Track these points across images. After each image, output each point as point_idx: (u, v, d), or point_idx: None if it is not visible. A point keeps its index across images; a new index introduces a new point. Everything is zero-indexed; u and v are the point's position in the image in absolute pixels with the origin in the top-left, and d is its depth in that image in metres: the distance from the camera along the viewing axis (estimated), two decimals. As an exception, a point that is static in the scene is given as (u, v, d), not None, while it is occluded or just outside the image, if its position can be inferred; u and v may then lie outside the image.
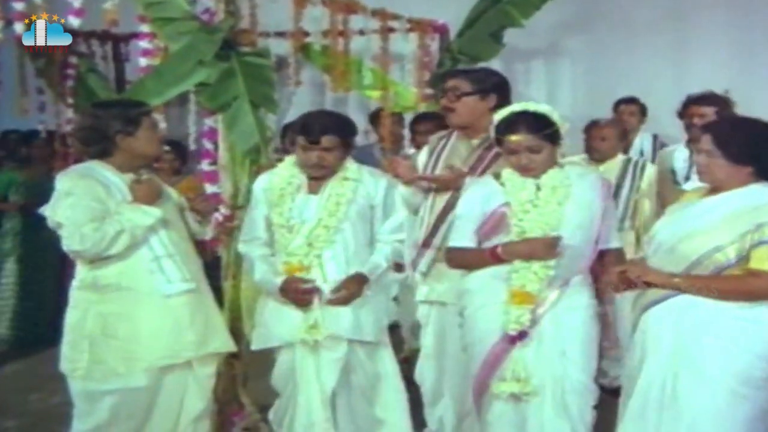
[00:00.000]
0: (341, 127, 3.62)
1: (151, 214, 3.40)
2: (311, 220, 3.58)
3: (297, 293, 3.53)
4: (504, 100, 3.83)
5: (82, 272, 3.46)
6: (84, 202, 3.33)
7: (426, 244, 3.82)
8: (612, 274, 3.16)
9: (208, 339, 3.53)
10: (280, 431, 3.75)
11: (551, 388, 3.27)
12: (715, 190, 3.07)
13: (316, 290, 3.53)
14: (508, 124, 3.31)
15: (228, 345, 3.69)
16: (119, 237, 3.32)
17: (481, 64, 5.95)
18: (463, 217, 3.43)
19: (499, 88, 3.83)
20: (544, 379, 3.27)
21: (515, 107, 3.36)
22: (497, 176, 3.40)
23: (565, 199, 3.30)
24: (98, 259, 3.37)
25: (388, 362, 3.73)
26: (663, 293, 3.04)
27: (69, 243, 3.33)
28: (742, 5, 6.74)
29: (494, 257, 3.30)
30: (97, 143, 3.45)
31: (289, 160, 3.72)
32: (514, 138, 3.28)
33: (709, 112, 4.31)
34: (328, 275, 3.57)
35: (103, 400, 3.40)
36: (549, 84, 7.21)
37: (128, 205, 3.38)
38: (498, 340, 3.29)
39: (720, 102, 4.50)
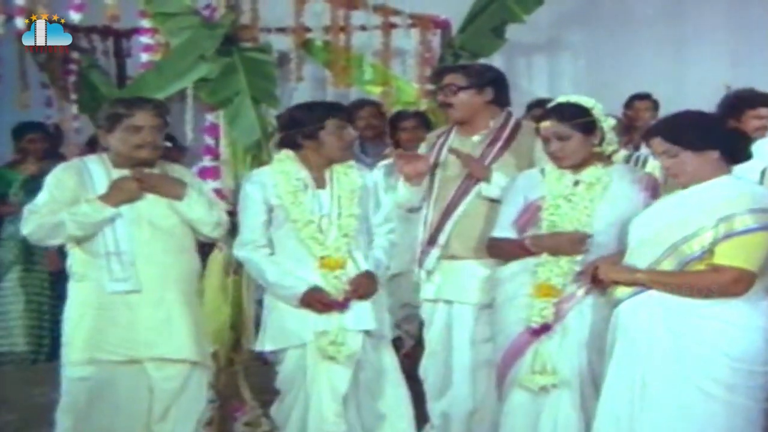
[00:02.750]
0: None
1: (101, 211, 3.41)
2: (330, 212, 3.53)
3: (320, 306, 3.47)
4: (501, 93, 3.85)
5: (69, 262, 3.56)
6: (49, 189, 3.47)
7: (431, 242, 3.82)
8: (587, 271, 3.21)
9: (160, 343, 3.48)
10: (283, 429, 3.70)
11: (569, 384, 3.30)
12: (687, 185, 3.05)
13: (342, 303, 3.49)
14: (544, 112, 3.39)
15: (185, 353, 3.54)
16: (59, 228, 3.41)
17: (483, 60, 5.94)
18: (505, 208, 3.49)
19: (495, 82, 3.84)
20: (568, 373, 3.29)
21: (559, 98, 3.44)
22: (543, 170, 3.44)
23: (601, 197, 3.32)
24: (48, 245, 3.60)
25: (389, 357, 3.72)
26: (630, 289, 3.02)
27: (22, 227, 3.50)
28: (741, -1, 6.75)
29: (523, 249, 3.35)
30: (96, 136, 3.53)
31: (283, 156, 3.62)
32: (544, 124, 3.35)
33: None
34: (360, 266, 3.54)
35: (64, 385, 3.50)
36: (551, 79, 7.21)
37: (91, 198, 3.43)
38: (521, 332, 3.32)
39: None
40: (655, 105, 6.23)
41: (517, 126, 3.85)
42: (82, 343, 3.45)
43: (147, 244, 3.47)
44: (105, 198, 3.43)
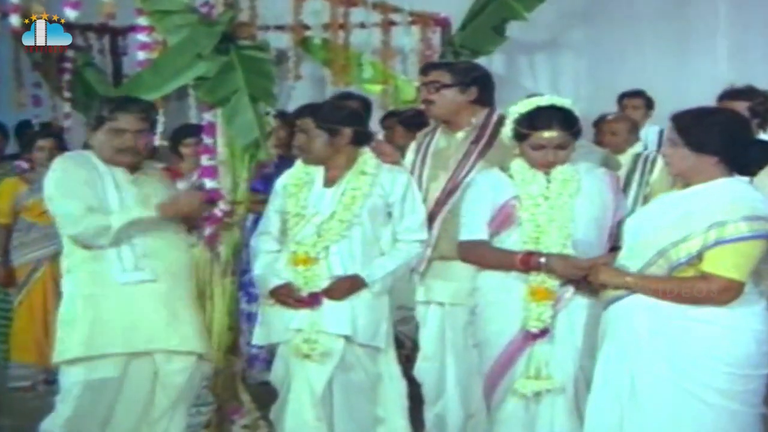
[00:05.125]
0: (321, 113, 3.63)
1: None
2: (324, 212, 3.56)
3: (289, 301, 3.53)
4: (485, 93, 3.81)
5: (64, 257, 3.53)
6: (73, 183, 3.42)
7: None
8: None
9: (169, 335, 3.48)
10: (277, 427, 3.72)
11: (564, 388, 3.24)
12: (688, 184, 2.98)
13: (309, 300, 3.51)
14: (538, 119, 3.24)
15: (192, 345, 3.55)
16: (105, 231, 3.38)
17: (483, 58, 5.92)
18: (475, 209, 3.36)
19: (480, 82, 3.80)
20: (561, 377, 3.24)
21: (539, 101, 3.30)
22: (504, 168, 3.36)
23: (576, 193, 3.27)
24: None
25: (390, 364, 3.71)
26: (619, 292, 2.98)
27: (64, 228, 3.43)
28: (741, -3, 6.73)
29: (526, 264, 3.22)
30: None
31: None
32: (547, 134, 3.23)
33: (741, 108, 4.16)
34: (333, 269, 3.54)
35: (73, 391, 3.41)
36: (552, 77, 7.18)
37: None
38: (514, 337, 3.25)
39: (757, 96, 4.34)
40: (648, 103, 6.15)
41: (500, 121, 3.78)
42: (82, 337, 3.40)
43: (154, 238, 3.49)
44: (163, 208, 3.44)
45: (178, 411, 3.58)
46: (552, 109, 3.26)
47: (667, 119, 3.01)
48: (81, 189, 3.41)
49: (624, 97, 6.16)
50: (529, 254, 3.21)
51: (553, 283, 3.20)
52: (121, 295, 3.42)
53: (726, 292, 2.83)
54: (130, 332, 3.42)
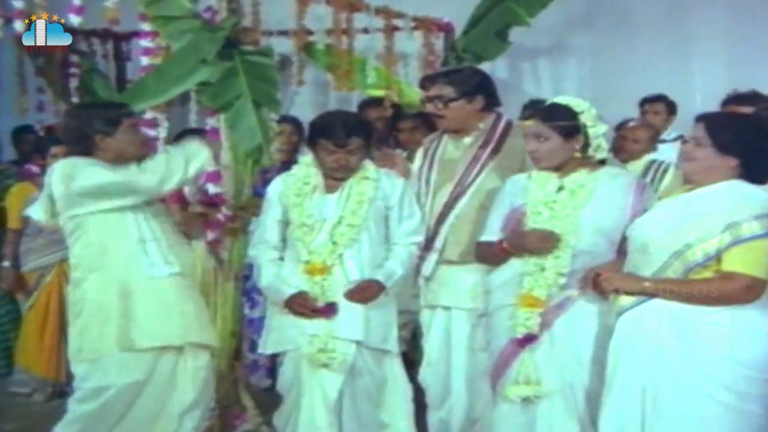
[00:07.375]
0: (365, 130, 3.66)
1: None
2: (331, 218, 3.56)
3: (303, 311, 3.52)
4: (491, 98, 3.84)
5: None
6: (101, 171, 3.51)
7: (428, 247, 3.79)
8: (588, 278, 3.18)
9: (197, 329, 3.58)
10: (282, 434, 3.71)
11: (563, 393, 3.24)
12: (694, 187, 3.01)
13: (326, 309, 3.51)
14: (530, 111, 3.39)
15: (214, 340, 3.74)
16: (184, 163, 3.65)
17: (486, 63, 5.91)
18: (494, 213, 3.47)
19: (483, 88, 3.82)
20: (556, 383, 3.23)
21: (554, 99, 3.40)
22: (530, 175, 3.41)
23: (585, 203, 3.26)
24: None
25: (396, 368, 3.71)
26: (635, 298, 2.98)
27: (143, 184, 3.55)
28: (743, 2, 6.69)
29: (502, 250, 3.34)
30: (79, 142, 3.58)
31: (304, 160, 3.73)
32: (526, 123, 3.35)
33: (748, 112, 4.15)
34: (349, 275, 3.55)
35: (98, 392, 3.47)
36: (555, 82, 7.15)
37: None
38: (507, 342, 3.29)
39: (761, 101, 4.32)
40: (670, 108, 6.07)
41: (508, 127, 3.82)
42: (114, 333, 3.46)
43: (171, 233, 3.65)
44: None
45: (199, 408, 3.65)
46: (549, 104, 3.36)
47: (693, 120, 3.04)
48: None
49: (645, 102, 6.08)
50: (500, 241, 3.33)
51: (540, 291, 3.22)
52: (150, 288, 3.49)
53: (750, 290, 2.85)
54: (164, 326, 3.49)
